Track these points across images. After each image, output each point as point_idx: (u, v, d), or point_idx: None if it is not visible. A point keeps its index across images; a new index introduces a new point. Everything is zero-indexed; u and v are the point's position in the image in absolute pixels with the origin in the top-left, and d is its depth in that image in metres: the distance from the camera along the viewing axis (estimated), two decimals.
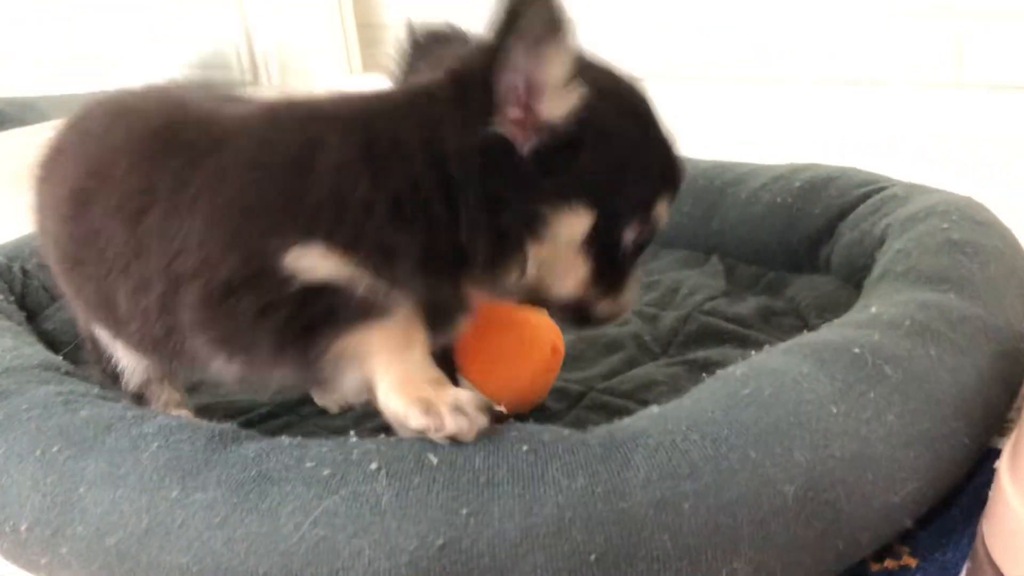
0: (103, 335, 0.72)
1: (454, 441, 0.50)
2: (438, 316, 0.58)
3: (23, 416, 0.60)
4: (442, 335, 0.60)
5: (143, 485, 0.53)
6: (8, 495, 0.56)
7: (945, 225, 0.73)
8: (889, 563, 0.56)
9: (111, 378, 0.72)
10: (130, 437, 0.57)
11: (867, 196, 0.90)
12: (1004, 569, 0.50)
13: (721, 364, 0.63)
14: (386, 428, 0.76)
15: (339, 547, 0.48)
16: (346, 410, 0.80)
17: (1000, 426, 0.63)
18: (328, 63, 2.00)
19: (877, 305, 0.64)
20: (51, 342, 0.86)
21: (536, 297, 0.60)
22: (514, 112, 0.53)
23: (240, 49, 2.02)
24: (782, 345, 0.61)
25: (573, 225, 0.56)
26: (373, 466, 0.50)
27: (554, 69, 0.51)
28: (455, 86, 0.55)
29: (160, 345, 0.63)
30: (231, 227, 0.56)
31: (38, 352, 0.74)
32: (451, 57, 0.57)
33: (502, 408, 0.57)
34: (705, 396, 0.55)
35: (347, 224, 0.54)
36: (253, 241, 0.55)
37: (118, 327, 0.66)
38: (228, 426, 0.57)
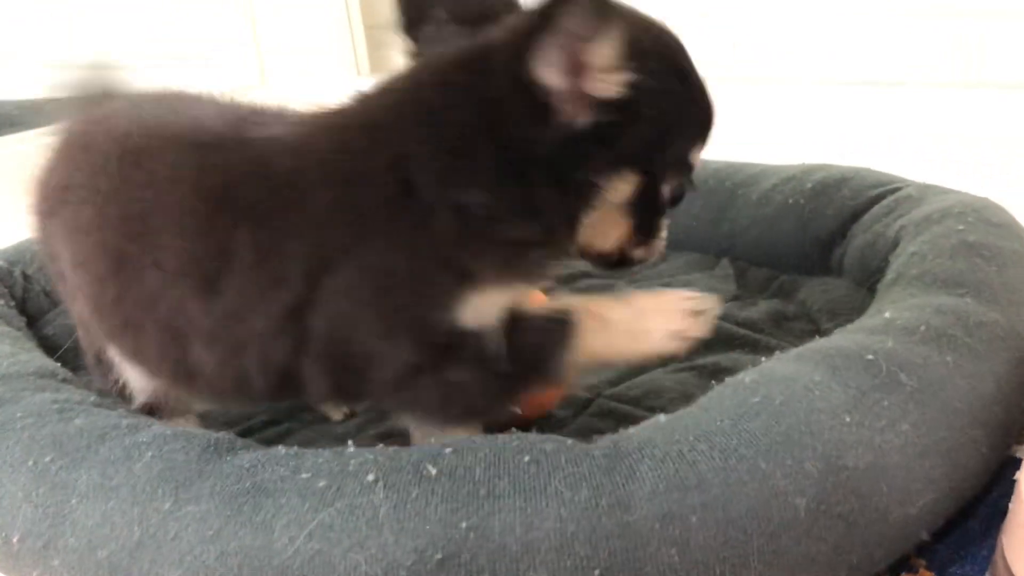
0: (114, 354, 0.69)
1: None
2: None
3: (17, 425, 0.59)
4: None
5: (135, 496, 0.52)
6: (0, 506, 0.55)
7: (961, 227, 0.71)
8: None
9: (118, 394, 0.71)
10: (123, 447, 0.55)
11: (881, 197, 0.88)
12: None
13: (731, 370, 0.61)
14: (388, 435, 0.75)
15: (334, 562, 0.46)
16: (349, 416, 0.78)
17: (1020, 435, 0.61)
18: (335, 65, 1.98)
19: (891, 310, 0.62)
20: (51, 347, 0.85)
21: (576, 254, 0.61)
22: (569, 93, 0.51)
23: (247, 51, 2.02)
24: (793, 351, 0.59)
25: (622, 189, 0.57)
26: (370, 477, 0.48)
27: (605, 52, 0.50)
28: (511, 80, 0.51)
29: (252, 391, 0.59)
30: (383, 303, 0.52)
31: (36, 358, 0.73)
32: (495, 38, 0.53)
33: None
34: (714, 404, 0.54)
35: (486, 244, 0.53)
36: (417, 305, 0.52)
37: (178, 371, 0.61)
38: (223, 435, 0.56)
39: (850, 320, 0.66)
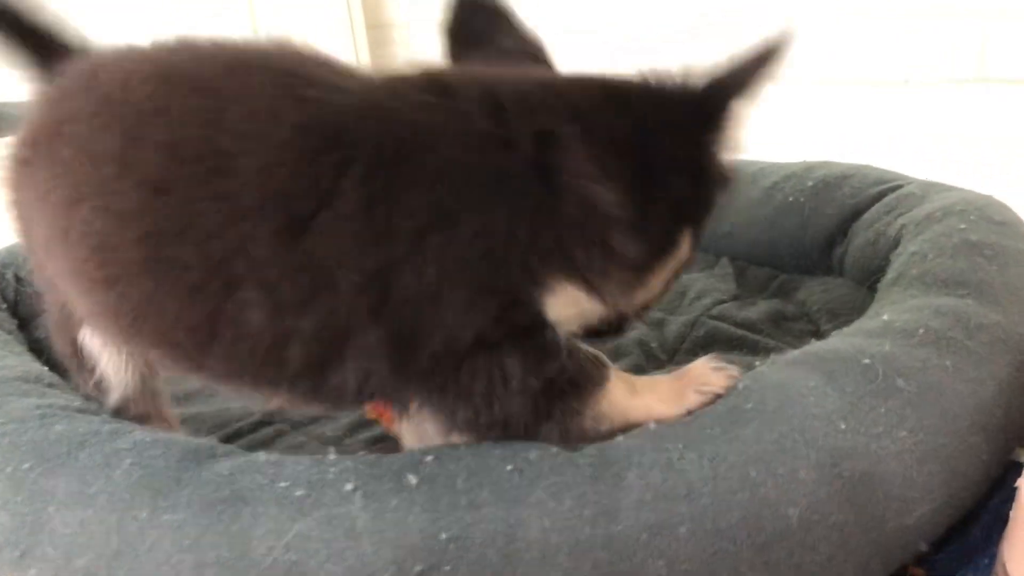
0: (93, 342, 0.65)
1: None
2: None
3: None
4: None
5: (113, 505, 0.51)
6: None
7: (963, 226, 0.69)
8: None
9: (95, 388, 0.69)
10: (103, 454, 0.54)
11: (882, 195, 0.86)
12: None
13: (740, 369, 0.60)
14: (381, 439, 0.74)
15: (311, 573, 0.45)
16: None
17: (1023, 439, 0.59)
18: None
19: (889, 312, 0.61)
20: (41, 351, 0.84)
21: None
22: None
23: None
24: (788, 355, 0.57)
25: (684, 249, 0.55)
26: (349, 487, 0.47)
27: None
28: (695, 109, 0.51)
29: (276, 376, 0.52)
30: (477, 265, 0.47)
31: (22, 362, 0.72)
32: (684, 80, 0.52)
33: None
34: (705, 411, 0.52)
35: (598, 250, 0.50)
36: (511, 283, 0.48)
37: (200, 332, 0.51)
38: (204, 441, 0.55)
39: (850, 321, 0.64)
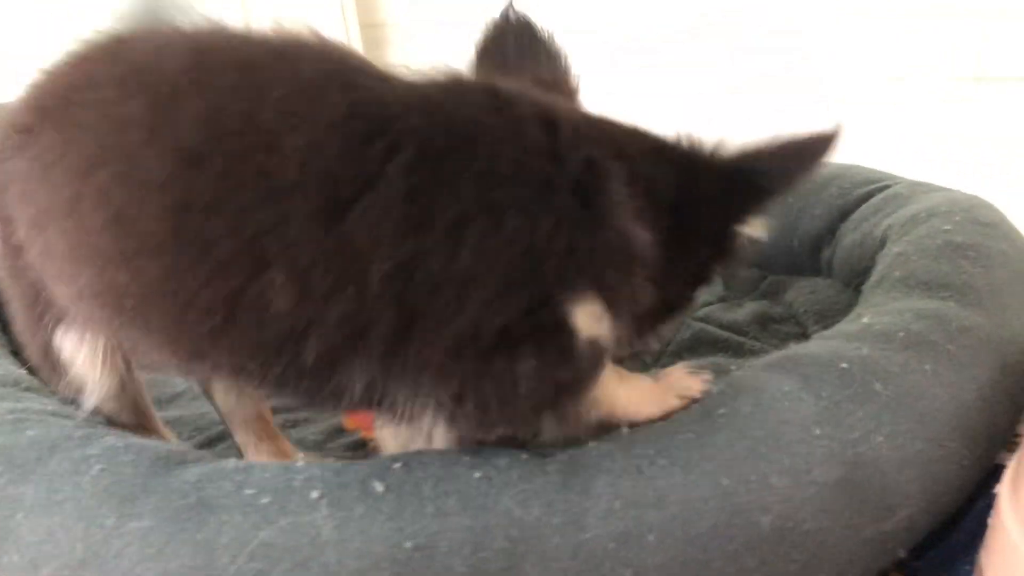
0: (68, 341, 0.61)
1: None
2: None
3: None
4: None
5: (80, 512, 0.50)
6: None
7: (947, 227, 0.69)
8: None
9: (70, 391, 0.68)
10: (72, 460, 0.53)
11: (869, 195, 0.85)
12: None
13: (713, 374, 0.59)
14: (362, 445, 0.74)
15: None
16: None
17: (1007, 442, 0.58)
18: None
19: (870, 315, 0.60)
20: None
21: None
22: None
23: None
24: (767, 359, 0.56)
25: (693, 303, 0.57)
26: (315, 494, 0.46)
27: None
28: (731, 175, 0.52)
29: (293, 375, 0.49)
30: (514, 260, 0.46)
31: (1, 366, 0.72)
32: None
33: None
34: (679, 416, 0.51)
35: (625, 280, 0.50)
36: (543, 283, 0.47)
37: (215, 311, 0.47)
38: (176, 447, 0.54)
39: (837, 323, 0.64)
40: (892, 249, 0.71)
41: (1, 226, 0.57)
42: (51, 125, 0.51)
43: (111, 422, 0.64)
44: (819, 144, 0.50)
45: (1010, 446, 0.58)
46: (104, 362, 0.63)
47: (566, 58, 0.62)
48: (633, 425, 0.52)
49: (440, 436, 0.51)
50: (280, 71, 0.49)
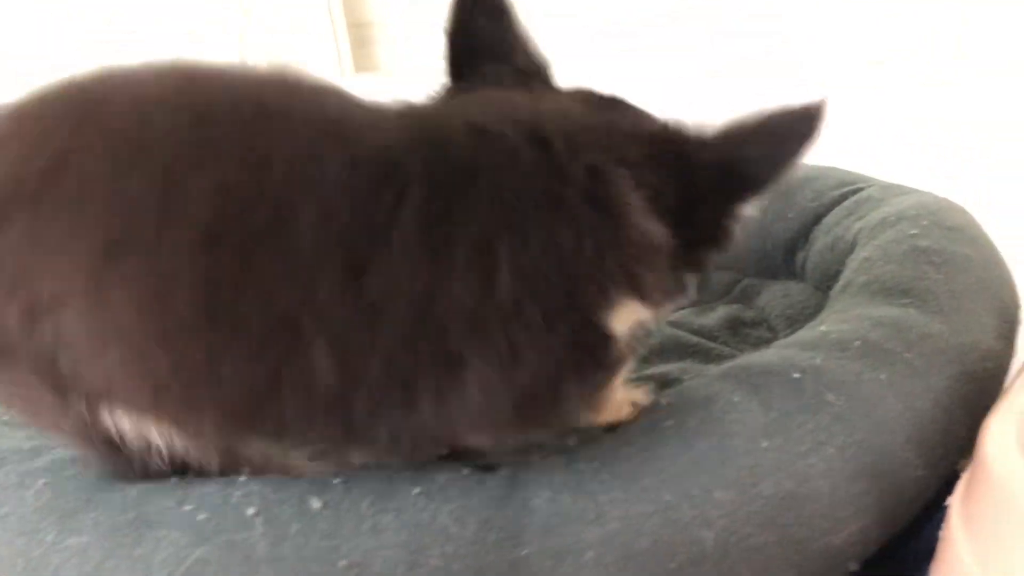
0: (111, 418, 0.50)
1: None
2: None
3: None
4: None
5: (22, 527, 0.49)
6: None
7: (914, 231, 0.68)
8: None
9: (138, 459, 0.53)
10: (19, 473, 0.53)
11: (843, 198, 0.84)
12: None
13: (681, 380, 0.58)
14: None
15: None
16: None
17: (965, 450, 0.57)
18: (319, 64, 1.96)
19: (829, 322, 0.59)
20: None
21: None
22: None
23: (228, 49, 2.00)
24: (721, 368, 0.56)
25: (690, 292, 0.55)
26: (251, 511, 0.46)
27: None
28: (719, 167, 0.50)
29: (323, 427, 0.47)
30: (545, 285, 0.45)
31: None
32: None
33: None
34: (628, 428, 0.51)
35: (654, 269, 0.49)
36: (581, 301, 0.46)
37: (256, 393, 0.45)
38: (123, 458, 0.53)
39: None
40: (859, 254, 0.70)
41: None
42: (35, 205, 0.44)
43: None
44: (805, 124, 0.49)
45: (967, 453, 0.57)
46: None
47: (532, 40, 0.60)
48: (583, 433, 0.52)
49: None
50: (277, 134, 0.45)
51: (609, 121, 0.52)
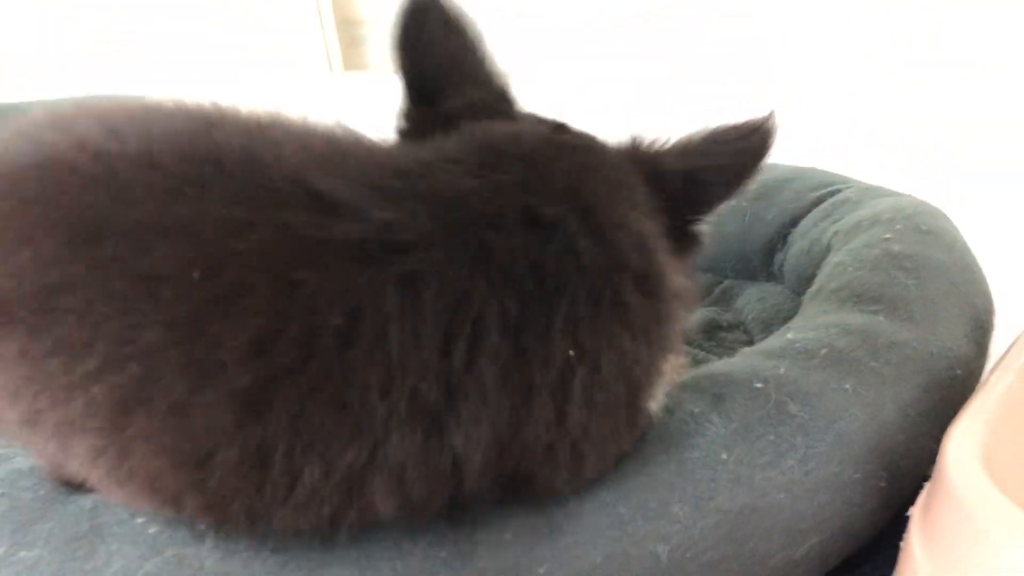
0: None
1: None
2: None
3: None
4: None
5: None
6: None
7: (888, 235, 0.67)
8: None
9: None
10: None
11: (821, 200, 0.84)
12: None
13: None
14: None
15: None
16: None
17: (934, 459, 0.57)
18: (307, 62, 1.95)
19: (797, 329, 0.58)
20: None
21: None
22: None
23: (216, 48, 1.99)
24: (687, 376, 0.55)
25: None
26: (203, 525, 0.45)
27: None
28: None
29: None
30: (615, 405, 0.44)
31: None
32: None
33: None
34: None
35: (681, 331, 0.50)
36: (637, 401, 0.46)
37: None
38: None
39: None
40: (833, 258, 0.69)
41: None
42: (34, 330, 0.38)
43: None
44: (757, 139, 0.50)
45: (934, 462, 0.57)
46: None
47: (487, 51, 0.58)
48: None
49: None
50: (304, 248, 0.39)
51: (615, 166, 0.50)
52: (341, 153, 0.44)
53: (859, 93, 1.17)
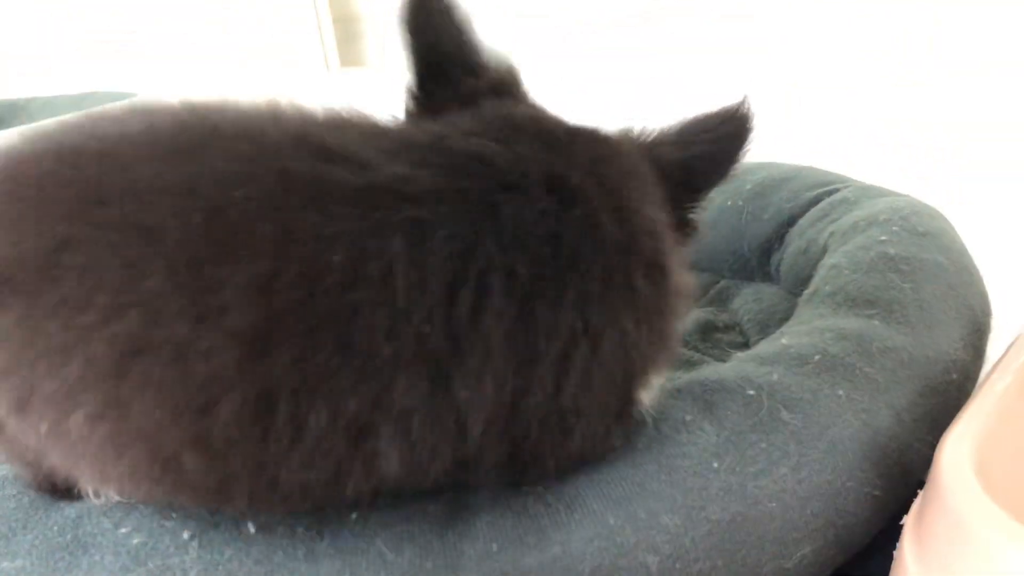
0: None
1: None
2: None
3: None
4: None
5: None
6: None
7: (884, 237, 0.66)
8: None
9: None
10: None
11: (818, 200, 0.83)
12: None
13: None
14: None
15: None
16: None
17: (927, 469, 0.56)
18: (304, 59, 1.94)
19: (791, 334, 0.58)
20: None
21: None
22: None
23: (212, 45, 1.98)
24: (679, 381, 0.54)
25: None
26: (186, 535, 0.45)
27: None
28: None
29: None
30: (610, 385, 0.45)
31: None
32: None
33: None
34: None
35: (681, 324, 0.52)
36: (629, 389, 0.47)
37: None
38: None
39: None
40: (828, 260, 0.68)
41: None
42: (35, 293, 0.38)
43: None
44: (737, 125, 0.51)
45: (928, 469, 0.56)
46: None
47: (487, 46, 0.58)
48: None
49: None
50: (312, 206, 0.39)
51: (629, 154, 0.51)
52: (346, 121, 0.46)
53: (859, 93, 1.16)
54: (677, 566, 0.44)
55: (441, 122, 0.47)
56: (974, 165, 1.01)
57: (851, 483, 0.49)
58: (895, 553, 0.47)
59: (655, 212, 0.48)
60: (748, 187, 0.90)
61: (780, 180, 0.88)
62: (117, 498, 0.48)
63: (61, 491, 0.49)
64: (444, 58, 0.53)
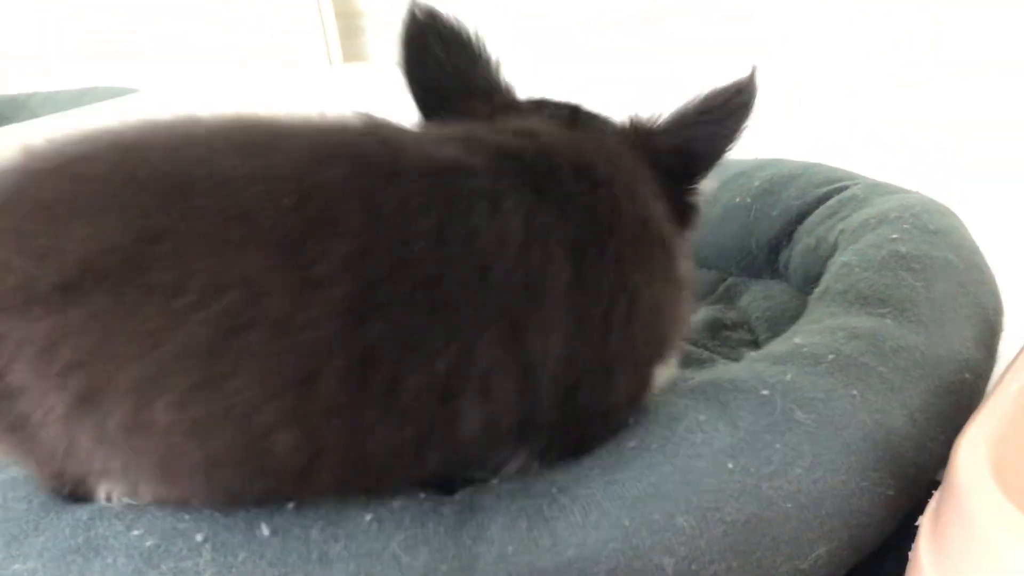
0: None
1: None
2: None
3: None
4: None
5: None
6: None
7: (895, 235, 0.66)
8: None
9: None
10: None
11: (827, 197, 0.82)
12: None
13: None
14: None
15: None
16: None
17: (943, 466, 0.56)
18: (307, 54, 1.94)
19: (803, 333, 0.57)
20: None
21: None
22: None
23: (215, 41, 1.98)
24: (689, 383, 0.54)
25: None
26: (199, 537, 0.44)
27: None
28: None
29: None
30: (648, 332, 0.51)
31: None
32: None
33: None
34: (592, 449, 0.49)
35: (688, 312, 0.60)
36: (648, 362, 0.53)
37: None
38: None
39: (785, 331, 0.62)
40: (839, 258, 0.68)
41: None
42: (121, 283, 0.39)
43: None
44: (740, 99, 0.54)
45: (944, 468, 0.56)
46: None
47: (491, 55, 0.59)
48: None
49: None
50: (394, 187, 0.43)
51: (628, 157, 0.54)
52: (383, 121, 0.49)
53: (859, 93, 1.16)
54: (693, 568, 0.44)
55: (458, 126, 0.51)
56: (974, 165, 1.01)
57: (865, 483, 0.49)
58: (910, 553, 0.47)
59: (658, 209, 0.52)
60: (756, 184, 0.89)
61: (788, 177, 0.88)
62: (128, 500, 0.48)
63: (77, 496, 0.49)
64: (442, 89, 0.56)
